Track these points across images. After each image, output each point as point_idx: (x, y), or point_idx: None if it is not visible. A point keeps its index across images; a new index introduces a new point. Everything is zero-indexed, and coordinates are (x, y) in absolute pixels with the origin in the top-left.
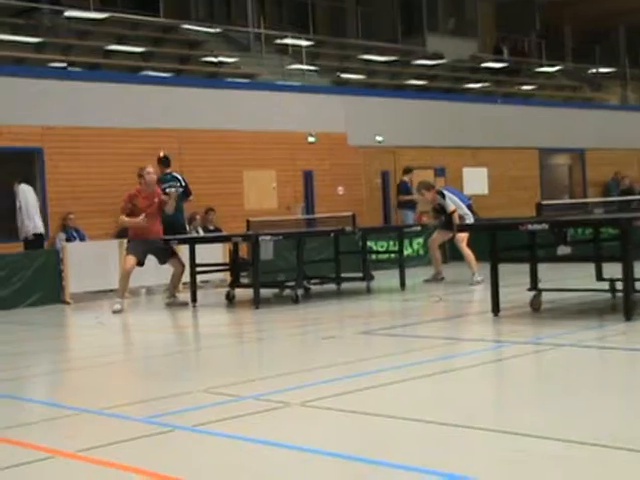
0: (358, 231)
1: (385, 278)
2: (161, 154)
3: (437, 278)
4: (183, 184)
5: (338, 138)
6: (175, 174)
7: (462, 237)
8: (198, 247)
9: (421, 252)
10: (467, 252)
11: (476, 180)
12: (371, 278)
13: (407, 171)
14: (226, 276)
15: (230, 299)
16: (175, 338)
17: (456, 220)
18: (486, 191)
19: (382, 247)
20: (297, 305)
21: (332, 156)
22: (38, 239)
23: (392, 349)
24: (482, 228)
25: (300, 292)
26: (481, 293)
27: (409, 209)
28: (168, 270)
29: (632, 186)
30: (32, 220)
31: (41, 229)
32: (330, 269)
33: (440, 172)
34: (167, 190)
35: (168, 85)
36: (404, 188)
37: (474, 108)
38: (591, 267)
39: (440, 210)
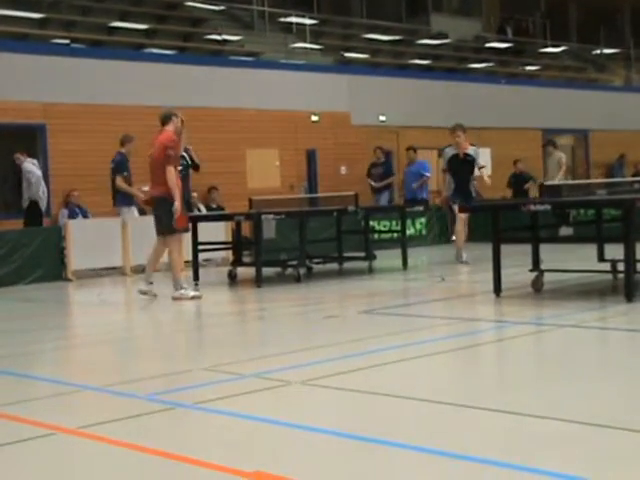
0: (361, 210)
1: (387, 258)
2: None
3: (461, 260)
4: (188, 160)
5: (341, 117)
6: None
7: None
8: (201, 225)
9: (423, 232)
10: (461, 229)
11: (481, 160)
12: (373, 258)
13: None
14: (228, 255)
15: (232, 278)
16: (176, 316)
17: (484, 177)
18: (489, 171)
19: (384, 227)
20: (299, 284)
21: (335, 135)
22: (35, 208)
23: (393, 328)
24: (484, 208)
25: (302, 271)
26: (484, 274)
27: (384, 191)
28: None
29: None
30: (41, 193)
31: (42, 199)
32: (332, 248)
33: (442, 152)
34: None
35: (171, 63)
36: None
37: (478, 88)
38: (593, 248)
39: (459, 167)
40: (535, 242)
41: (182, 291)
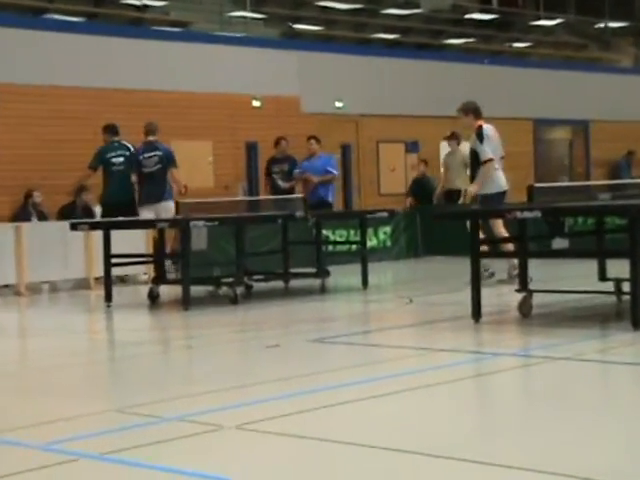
0: (311, 217)
1: (344, 274)
2: None
3: (512, 275)
4: (130, 153)
5: (289, 103)
6: (124, 142)
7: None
8: (114, 234)
9: (388, 243)
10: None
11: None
12: (327, 274)
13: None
14: (149, 270)
15: (153, 298)
16: (84, 346)
17: (487, 174)
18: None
19: (341, 237)
20: (236, 306)
21: (282, 125)
22: None
23: (350, 361)
24: (461, 215)
25: (240, 290)
26: (460, 295)
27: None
28: (76, 263)
29: None
30: None
31: None
32: (277, 263)
33: (412, 147)
34: None
35: (78, 32)
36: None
37: (455, 69)
38: (593, 264)
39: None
40: (523, 256)
41: None
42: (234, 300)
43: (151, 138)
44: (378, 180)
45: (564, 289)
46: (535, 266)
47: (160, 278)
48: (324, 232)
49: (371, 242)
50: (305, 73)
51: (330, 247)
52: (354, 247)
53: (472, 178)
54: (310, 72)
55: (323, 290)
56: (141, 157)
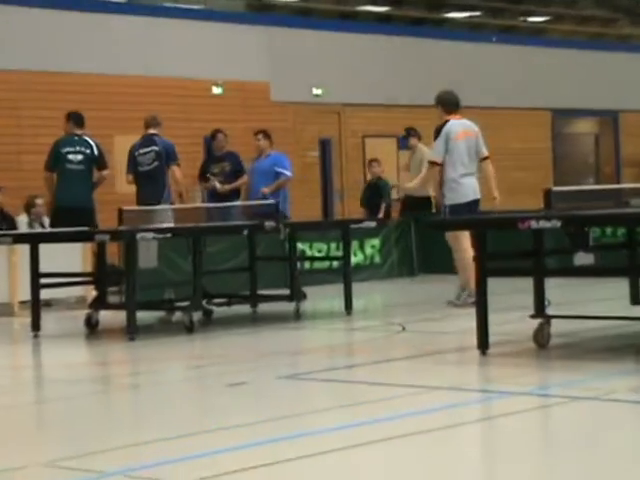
0: (284, 227)
1: (324, 297)
2: None
3: (466, 299)
4: (95, 152)
5: (257, 90)
6: (86, 137)
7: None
8: (43, 248)
9: (377, 259)
10: (462, 256)
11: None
12: (302, 297)
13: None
14: (87, 292)
15: (92, 326)
16: (6, 385)
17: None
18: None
19: (320, 252)
20: (192, 336)
21: (248, 116)
22: None
23: (330, 401)
24: (465, 225)
25: (197, 317)
26: (463, 321)
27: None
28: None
29: None
30: None
31: None
32: (242, 283)
33: (404, 143)
34: None
35: None
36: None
37: (457, 49)
38: (624, 284)
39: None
40: (539, 275)
41: None
42: (190, 328)
43: (151, 131)
44: (365, 183)
45: (589, 314)
46: (554, 287)
47: (100, 302)
48: (299, 246)
49: (356, 258)
50: (276, 54)
51: (307, 264)
52: (335, 264)
53: (440, 183)
54: (282, 53)
55: (298, 316)
56: (136, 153)
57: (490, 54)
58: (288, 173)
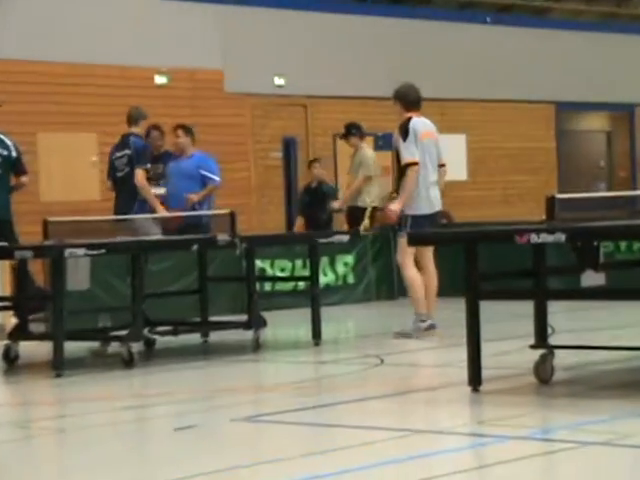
0: (241, 242)
1: (287, 324)
2: None
3: (419, 326)
4: (14, 154)
5: (208, 79)
6: (4, 137)
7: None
8: None
9: (350, 279)
10: (410, 274)
11: (447, 156)
12: (262, 324)
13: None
14: (5, 319)
15: (11, 360)
16: None
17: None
18: (464, 174)
19: (283, 270)
20: (131, 371)
21: (197, 110)
22: None
23: (295, 448)
24: (452, 239)
25: (137, 348)
26: (452, 352)
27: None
28: None
29: None
30: None
31: None
32: (191, 308)
33: (385, 141)
34: None
35: None
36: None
37: (446, 31)
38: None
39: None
40: (540, 298)
41: None
42: (129, 362)
43: (132, 130)
44: (335, 187)
45: (599, 344)
46: (558, 311)
47: (21, 331)
48: (259, 264)
49: (326, 278)
50: (231, 37)
51: (267, 285)
52: (301, 285)
53: (397, 190)
54: (238, 35)
55: (257, 347)
56: (113, 157)
57: (483, 37)
58: (217, 178)
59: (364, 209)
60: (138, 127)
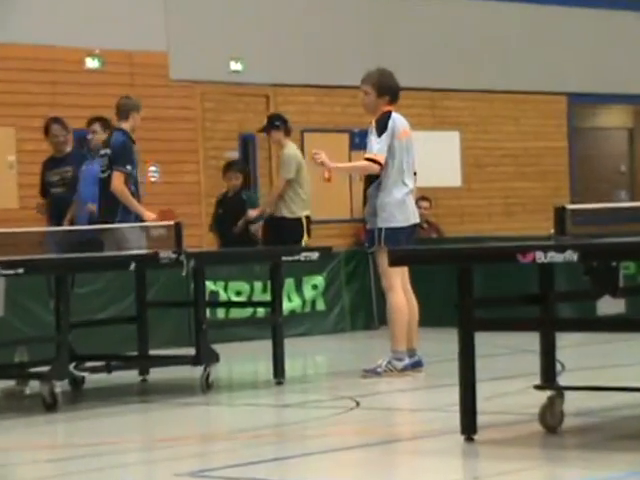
0: (188, 260)
1: (244, 359)
2: None
3: (394, 365)
4: None
5: (149, 64)
6: None
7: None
8: None
9: (320, 305)
10: (397, 301)
11: (438, 158)
12: (213, 359)
13: None
14: None
15: None
16: None
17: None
18: (458, 180)
19: (239, 294)
20: (54, 414)
21: (138, 99)
22: None
23: None
24: (442, 257)
25: (61, 387)
26: (441, 393)
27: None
28: None
29: None
30: None
31: None
32: (127, 339)
33: (362, 138)
34: None
35: None
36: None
37: (434, 7)
38: None
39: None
40: (547, 329)
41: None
42: (51, 404)
43: (123, 124)
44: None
45: (617, 385)
46: (569, 345)
47: None
48: (210, 286)
49: (291, 303)
50: (178, 14)
51: (220, 312)
52: (262, 312)
53: (365, 196)
54: (186, 12)
55: (207, 386)
56: (97, 157)
57: (483, 16)
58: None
59: (292, 220)
60: (128, 121)
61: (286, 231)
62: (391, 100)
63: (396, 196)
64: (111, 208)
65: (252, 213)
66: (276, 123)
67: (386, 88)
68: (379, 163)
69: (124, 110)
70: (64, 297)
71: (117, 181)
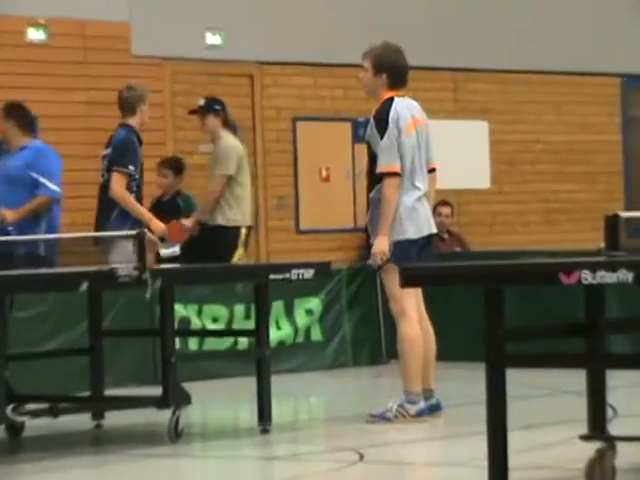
0: (153, 278)
1: (222, 400)
2: None
3: (406, 409)
4: None
5: (107, 36)
6: None
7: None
8: None
9: (316, 335)
10: (410, 331)
11: (461, 153)
12: (184, 401)
13: None
14: None
15: None
16: None
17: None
18: (486, 181)
19: (216, 321)
20: None
21: (90, 79)
22: None
23: None
24: (467, 277)
25: None
26: (463, 443)
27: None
28: None
29: None
30: None
31: None
32: (78, 375)
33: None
34: None
35: None
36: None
37: None
38: None
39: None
40: (596, 365)
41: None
42: None
43: (128, 120)
44: (296, 200)
45: None
46: (622, 385)
47: None
48: (180, 311)
49: (280, 332)
50: None
51: (193, 343)
52: (243, 342)
53: (368, 200)
54: None
55: (177, 434)
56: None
57: None
58: (53, 187)
59: (226, 229)
60: (135, 116)
61: (217, 243)
62: (392, 82)
63: (405, 202)
64: (107, 214)
65: (185, 223)
66: (215, 107)
67: (385, 65)
68: (396, 174)
69: (129, 103)
70: (1, 323)
71: (117, 184)
